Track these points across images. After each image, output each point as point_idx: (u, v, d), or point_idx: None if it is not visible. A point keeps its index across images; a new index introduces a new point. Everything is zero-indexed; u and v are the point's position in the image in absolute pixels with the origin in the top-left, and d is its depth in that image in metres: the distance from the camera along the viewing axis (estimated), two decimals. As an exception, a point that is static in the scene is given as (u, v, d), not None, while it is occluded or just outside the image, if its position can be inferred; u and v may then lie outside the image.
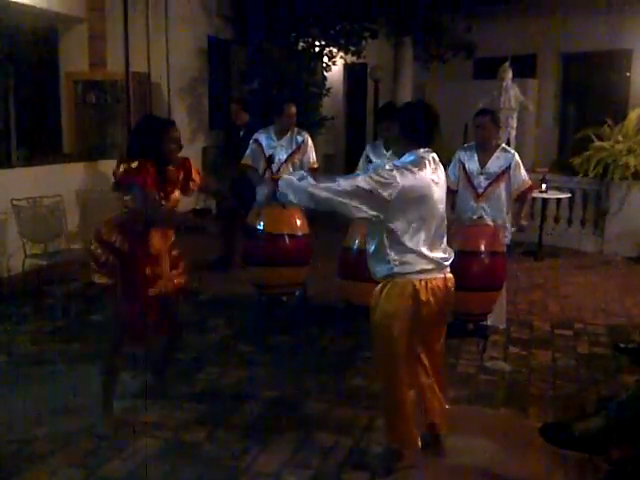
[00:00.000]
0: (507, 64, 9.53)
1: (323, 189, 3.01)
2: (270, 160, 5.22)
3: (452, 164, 5.16)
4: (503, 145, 5.24)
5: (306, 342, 5.10)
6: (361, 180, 2.99)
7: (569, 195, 8.63)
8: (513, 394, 4.24)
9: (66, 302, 5.63)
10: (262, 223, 5.29)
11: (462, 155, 5.14)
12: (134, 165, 3.42)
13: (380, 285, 3.15)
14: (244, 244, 5.58)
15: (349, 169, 6.17)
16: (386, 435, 3.33)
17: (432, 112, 3.25)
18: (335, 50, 10.57)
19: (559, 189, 8.58)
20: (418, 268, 3.07)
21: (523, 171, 5.08)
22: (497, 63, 9.73)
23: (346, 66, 13.20)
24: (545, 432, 3.43)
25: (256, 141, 5.67)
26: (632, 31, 10.01)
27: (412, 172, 3.04)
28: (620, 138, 8.36)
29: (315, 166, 5.73)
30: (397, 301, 3.07)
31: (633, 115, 8.58)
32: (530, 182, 5.18)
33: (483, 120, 4.99)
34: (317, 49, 10.39)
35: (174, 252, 3.76)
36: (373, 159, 5.43)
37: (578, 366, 4.74)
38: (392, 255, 3.07)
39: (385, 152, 5.37)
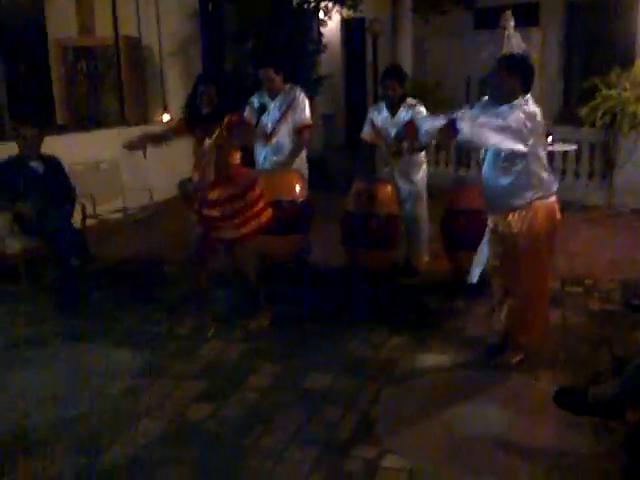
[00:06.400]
0: (509, 12, 9.19)
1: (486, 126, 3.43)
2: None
3: None
4: None
5: (309, 312, 4.96)
6: (512, 119, 3.43)
7: (575, 147, 8.40)
8: (524, 357, 4.11)
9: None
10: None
11: None
12: None
13: (523, 212, 3.60)
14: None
15: (349, 129, 5.98)
16: (524, 337, 3.92)
17: None
18: (331, 4, 10.21)
19: (565, 141, 8.35)
20: (555, 188, 3.66)
21: None
22: (498, 13, 9.40)
23: (343, 21, 12.81)
24: (558, 398, 3.32)
25: (250, 103, 5.48)
26: (638, -25, 9.64)
27: (535, 106, 3.57)
28: (627, 86, 8.08)
29: (309, 123, 5.45)
30: (545, 223, 3.62)
31: (640, 62, 8.30)
32: None
33: None
34: (312, 4, 10.02)
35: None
36: (378, 123, 5.29)
37: (590, 324, 4.62)
38: (542, 177, 3.58)
39: (388, 114, 5.22)
